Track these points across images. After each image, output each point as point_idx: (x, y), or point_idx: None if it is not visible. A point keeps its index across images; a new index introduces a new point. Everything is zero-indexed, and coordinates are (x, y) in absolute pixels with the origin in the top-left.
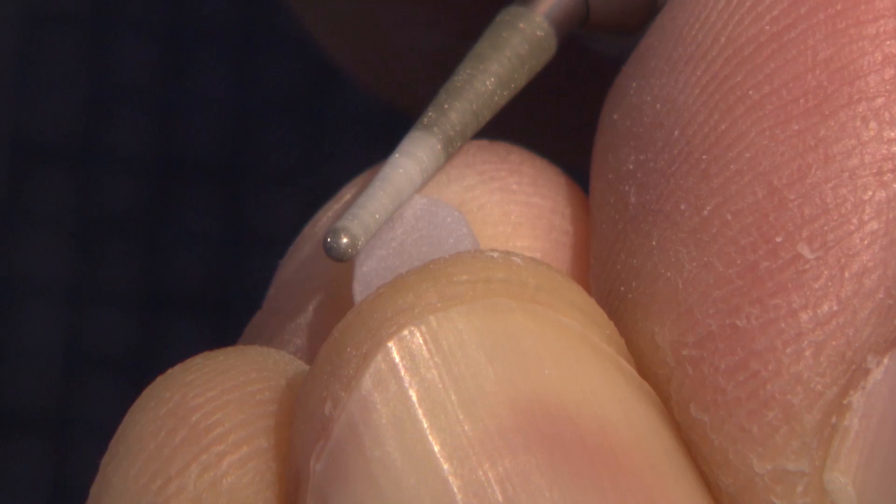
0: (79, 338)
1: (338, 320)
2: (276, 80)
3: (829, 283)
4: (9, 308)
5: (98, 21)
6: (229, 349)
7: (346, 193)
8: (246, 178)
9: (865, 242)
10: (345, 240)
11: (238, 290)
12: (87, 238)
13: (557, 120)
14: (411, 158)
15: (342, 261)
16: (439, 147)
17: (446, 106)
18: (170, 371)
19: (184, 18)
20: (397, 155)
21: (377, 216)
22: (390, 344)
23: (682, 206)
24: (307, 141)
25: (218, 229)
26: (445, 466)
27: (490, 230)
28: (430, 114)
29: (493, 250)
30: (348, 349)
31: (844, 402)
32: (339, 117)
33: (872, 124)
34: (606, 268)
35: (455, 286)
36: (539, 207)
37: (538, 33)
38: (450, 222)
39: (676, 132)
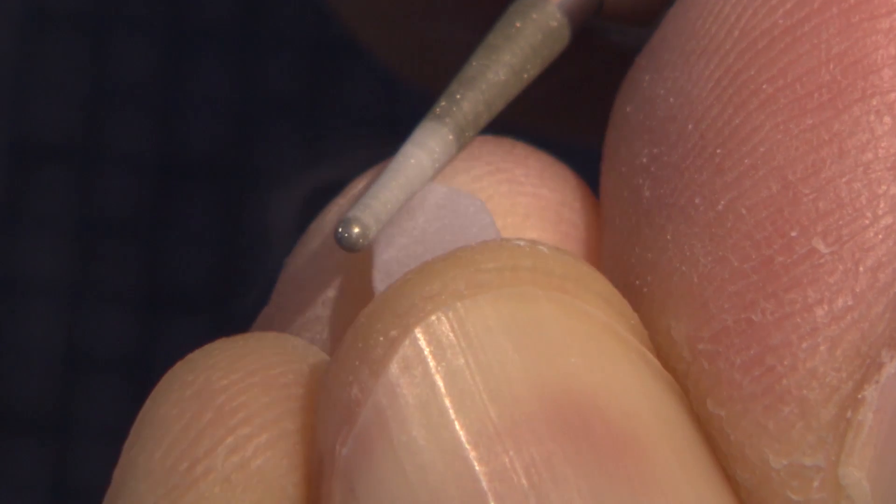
0: (79, 337)
1: (352, 312)
2: (276, 80)
3: (844, 278)
4: (9, 308)
5: (98, 21)
6: (248, 335)
7: (355, 187)
8: (246, 178)
9: (880, 237)
10: (356, 229)
11: (238, 290)
12: (87, 238)
13: (572, 111)
14: (423, 149)
15: (354, 251)
16: (451, 137)
17: (458, 96)
18: (190, 356)
19: (184, 18)
20: (409, 145)
21: (389, 206)
22: (417, 330)
23: (697, 201)
24: (307, 141)
25: (218, 229)
26: (471, 453)
27: (499, 221)
28: (443, 104)
29: (519, 239)
30: (375, 334)
31: (859, 396)
32: (339, 117)
33: (887, 119)
34: (620, 262)
35: (482, 273)
36: (547, 199)
37: (551, 23)
38: (473, 212)
39: (690, 126)
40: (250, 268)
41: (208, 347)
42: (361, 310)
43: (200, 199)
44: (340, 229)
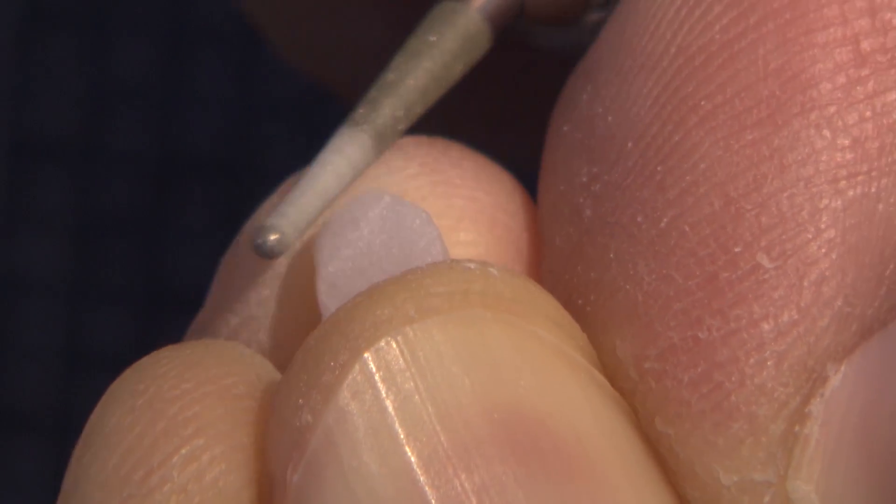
0: (78, 336)
1: (287, 312)
2: (276, 80)
3: (789, 293)
4: (9, 307)
5: (98, 21)
6: (195, 342)
7: (288, 186)
8: (246, 178)
9: (823, 251)
10: (273, 237)
11: None
12: (87, 237)
13: (496, 113)
14: (340, 155)
15: (271, 258)
16: (370, 143)
17: (377, 102)
18: (137, 363)
19: (184, 18)
20: (326, 152)
21: (306, 214)
22: (367, 355)
23: (639, 219)
24: (307, 141)
25: (218, 229)
26: (422, 477)
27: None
28: (361, 110)
29: (469, 261)
30: (325, 359)
31: (805, 410)
32: (338, 117)
33: (826, 132)
34: (562, 280)
35: (432, 298)
36: (481, 202)
37: (472, 28)
38: (418, 224)
39: (630, 144)
40: None
41: (156, 355)
42: (298, 314)
43: (200, 199)
44: (257, 238)
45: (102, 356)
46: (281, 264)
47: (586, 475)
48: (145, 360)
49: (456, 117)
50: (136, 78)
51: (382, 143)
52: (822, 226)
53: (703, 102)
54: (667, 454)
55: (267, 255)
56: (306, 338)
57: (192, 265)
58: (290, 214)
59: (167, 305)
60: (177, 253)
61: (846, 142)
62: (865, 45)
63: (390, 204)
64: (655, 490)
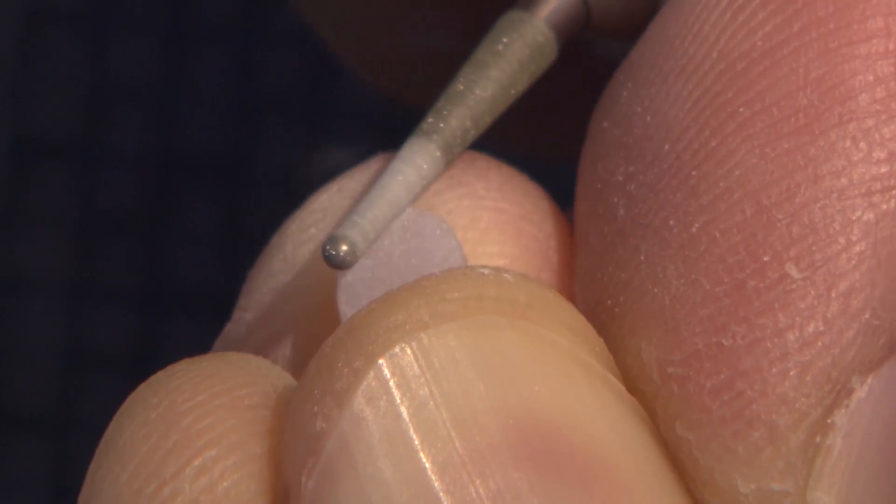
0: (78, 336)
1: (314, 328)
2: (276, 80)
3: (816, 303)
4: (9, 307)
5: (98, 20)
6: (211, 355)
7: (315, 200)
8: (246, 178)
9: (853, 263)
10: (344, 247)
11: (238, 290)
12: (88, 237)
13: (562, 125)
14: (410, 165)
15: (342, 268)
16: (438, 154)
17: (446, 112)
18: (153, 377)
19: (184, 18)
20: (397, 161)
21: (377, 224)
22: (381, 361)
23: (671, 222)
24: (307, 141)
25: (218, 229)
26: (437, 483)
27: (459, 235)
28: (430, 120)
29: (483, 267)
30: (339, 365)
31: (828, 421)
32: (338, 117)
33: (862, 144)
34: (594, 279)
35: (446, 304)
36: (507, 213)
37: (539, 38)
38: (439, 235)
39: (666, 146)
40: (250, 268)
41: (171, 369)
42: (324, 329)
43: (200, 198)
44: (328, 247)
45: (102, 356)
46: (311, 279)
47: (601, 481)
48: (160, 375)
49: (520, 129)
50: (136, 78)
51: (451, 154)
52: (853, 238)
53: (741, 109)
54: (685, 460)
55: (338, 265)
56: (321, 345)
57: (192, 265)
58: (360, 224)
59: (167, 305)
60: (177, 253)
61: (882, 155)
62: None
63: (411, 215)
64: (672, 495)
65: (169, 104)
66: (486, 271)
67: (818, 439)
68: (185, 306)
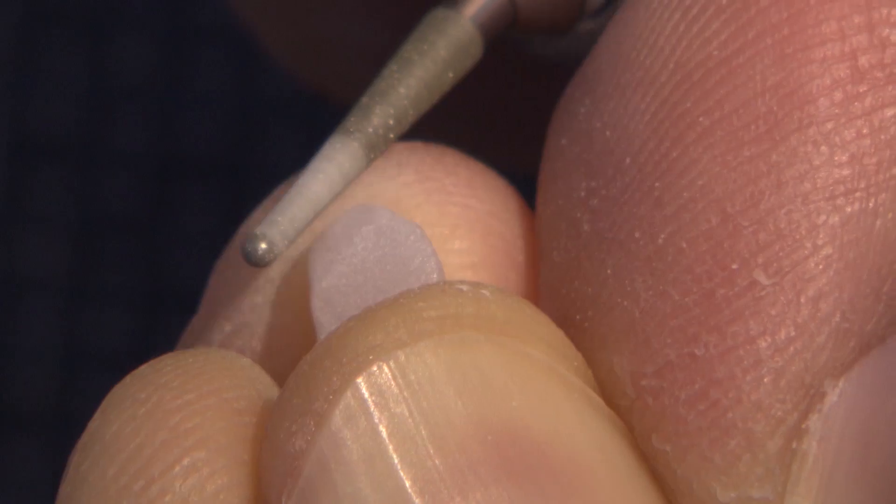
0: (78, 336)
1: (281, 319)
2: (275, 80)
3: (786, 309)
4: (9, 307)
5: (98, 21)
6: (195, 351)
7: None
8: (246, 178)
9: (820, 267)
10: (263, 245)
11: None
12: (87, 237)
13: (490, 120)
14: (331, 163)
15: (260, 266)
16: (361, 152)
17: (369, 110)
18: (138, 371)
19: (184, 18)
20: (318, 160)
21: (296, 223)
22: (359, 380)
23: (637, 235)
24: (307, 141)
25: (218, 229)
26: (417, 501)
27: (427, 230)
28: (352, 118)
29: (462, 282)
30: (318, 384)
31: (803, 426)
32: (338, 117)
33: (823, 148)
34: (560, 295)
35: (424, 322)
36: (476, 210)
37: (464, 37)
38: (413, 241)
39: (628, 159)
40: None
41: (157, 363)
42: (291, 320)
43: (200, 198)
44: (247, 245)
45: (102, 356)
46: (275, 271)
47: (581, 494)
48: (146, 368)
49: (452, 124)
50: (136, 78)
51: (373, 152)
52: (820, 242)
53: (701, 118)
54: (664, 471)
55: (256, 263)
56: (299, 362)
57: (192, 265)
58: (279, 223)
59: (167, 305)
60: (177, 253)
61: (844, 158)
62: (863, 61)
63: (385, 219)
64: None
65: (169, 104)
66: (464, 287)
67: (794, 444)
68: (185, 306)
